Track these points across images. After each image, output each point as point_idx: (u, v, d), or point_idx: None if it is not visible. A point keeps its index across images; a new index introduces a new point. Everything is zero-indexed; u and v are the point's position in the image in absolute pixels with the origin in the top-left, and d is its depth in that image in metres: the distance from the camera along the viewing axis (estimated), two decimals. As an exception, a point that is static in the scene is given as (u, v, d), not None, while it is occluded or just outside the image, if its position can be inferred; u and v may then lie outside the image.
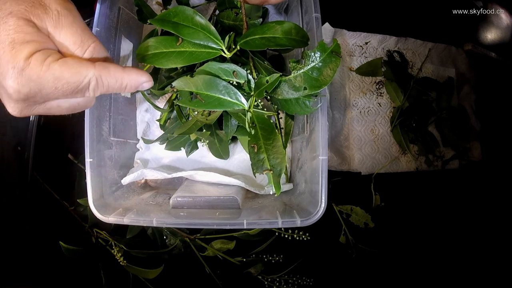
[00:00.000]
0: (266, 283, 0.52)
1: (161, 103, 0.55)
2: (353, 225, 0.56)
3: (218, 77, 0.37)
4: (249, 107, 0.37)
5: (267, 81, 0.36)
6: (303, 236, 0.50)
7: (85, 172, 0.40)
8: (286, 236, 0.51)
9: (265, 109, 0.39)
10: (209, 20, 0.50)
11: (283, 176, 0.51)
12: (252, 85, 0.38)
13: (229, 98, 0.36)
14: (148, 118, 0.56)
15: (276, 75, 0.35)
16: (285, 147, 0.51)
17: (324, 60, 0.34)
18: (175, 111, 0.47)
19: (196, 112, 0.44)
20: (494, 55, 0.65)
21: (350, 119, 0.59)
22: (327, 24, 0.59)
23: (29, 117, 0.54)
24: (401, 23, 0.63)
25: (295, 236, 0.50)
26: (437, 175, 0.60)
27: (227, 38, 0.38)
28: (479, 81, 0.65)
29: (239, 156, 0.54)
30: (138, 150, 0.54)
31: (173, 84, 0.36)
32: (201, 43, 0.36)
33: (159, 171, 0.48)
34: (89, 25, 0.57)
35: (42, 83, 0.25)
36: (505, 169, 0.62)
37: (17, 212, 0.54)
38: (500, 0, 0.68)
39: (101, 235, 0.53)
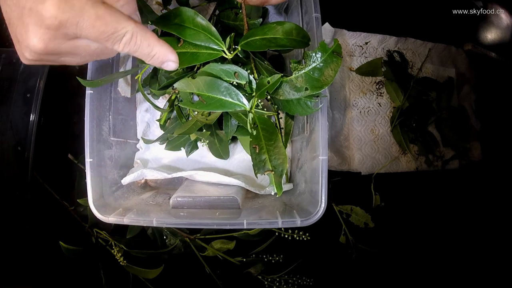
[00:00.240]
0: (266, 283, 0.53)
1: (161, 103, 0.55)
2: (353, 225, 0.56)
3: (220, 78, 0.37)
4: (251, 108, 0.37)
5: (268, 82, 0.36)
6: (303, 236, 0.50)
7: (85, 172, 0.40)
8: (286, 236, 0.51)
9: (265, 109, 0.39)
10: (209, 20, 0.50)
11: (283, 176, 0.51)
12: (254, 86, 0.38)
13: (230, 99, 0.36)
14: (148, 118, 0.56)
15: (277, 76, 0.35)
16: (285, 147, 0.51)
17: (325, 61, 0.34)
18: (175, 111, 0.47)
19: (196, 112, 0.44)
20: (494, 55, 0.65)
21: (350, 119, 0.59)
22: (327, 24, 0.59)
23: (29, 117, 0.54)
24: (401, 23, 0.63)
25: (295, 236, 0.50)
26: (437, 175, 0.60)
27: (228, 39, 0.38)
28: (479, 81, 0.65)
29: (239, 156, 0.54)
30: (138, 150, 0.54)
31: (175, 85, 0.36)
32: (202, 44, 0.36)
33: (159, 171, 0.48)
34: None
35: (83, 16, 0.24)
36: (505, 169, 0.62)
37: (17, 212, 0.54)
38: (500, 0, 0.68)
39: (101, 235, 0.53)
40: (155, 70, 0.50)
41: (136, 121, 0.56)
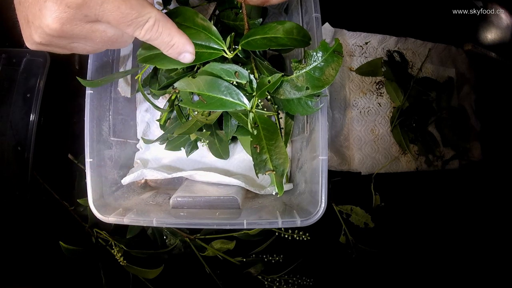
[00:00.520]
0: (266, 283, 0.52)
1: (161, 103, 0.55)
2: (353, 225, 0.56)
3: (220, 77, 0.37)
4: (251, 108, 0.37)
5: (269, 81, 0.36)
6: (303, 236, 0.50)
7: (85, 172, 0.40)
8: (286, 236, 0.51)
9: (265, 109, 0.39)
10: (209, 20, 0.50)
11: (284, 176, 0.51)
12: (254, 86, 0.37)
13: (231, 99, 0.36)
14: (148, 118, 0.56)
15: (278, 75, 0.35)
16: (285, 147, 0.51)
17: (326, 60, 0.34)
18: (175, 111, 0.47)
19: (196, 112, 0.44)
20: (494, 55, 0.65)
21: (350, 119, 0.59)
22: (327, 24, 0.59)
23: (29, 117, 0.54)
24: (401, 23, 0.63)
25: (295, 236, 0.50)
26: (437, 175, 0.60)
27: (228, 39, 0.38)
28: (479, 81, 0.65)
29: (239, 156, 0.54)
30: (138, 150, 0.54)
31: (175, 85, 0.36)
32: (203, 43, 0.36)
33: (159, 171, 0.48)
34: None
35: None
36: (505, 169, 0.62)
37: (17, 212, 0.54)
38: (500, 0, 0.68)
39: (101, 235, 0.53)
40: (155, 70, 0.50)
41: (136, 121, 0.56)
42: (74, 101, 0.56)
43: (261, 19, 0.45)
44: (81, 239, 0.53)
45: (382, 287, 0.56)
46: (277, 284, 0.52)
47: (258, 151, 0.35)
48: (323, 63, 0.35)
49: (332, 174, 0.57)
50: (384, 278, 0.56)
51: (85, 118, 0.40)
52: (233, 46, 0.39)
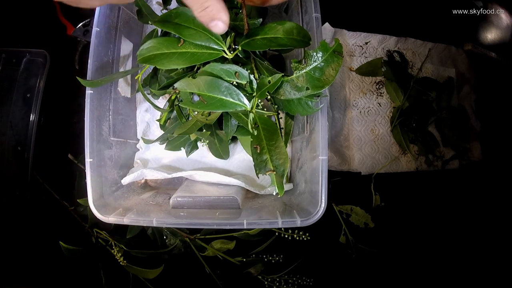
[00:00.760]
0: (266, 283, 0.52)
1: (161, 103, 0.55)
2: (353, 225, 0.56)
3: (220, 78, 0.37)
4: (252, 108, 0.37)
5: (269, 82, 0.36)
6: (303, 236, 0.50)
7: (85, 172, 0.40)
8: (286, 236, 0.51)
9: (265, 109, 0.39)
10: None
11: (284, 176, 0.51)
12: (254, 86, 0.37)
13: (231, 99, 0.36)
14: (148, 118, 0.56)
15: (278, 76, 0.35)
16: (285, 147, 0.51)
17: (326, 60, 0.34)
18: (175, 111, 0.47)
19: (196, 112, 0.44)
20: (494, 55, 0.65)
21: (350, 119, 0.59)
22: (327, 24, 0.59)
23: (29, 117, 0.54)
24: (401, 23, 0.63)
25: (295, 236, 0.50)
26: (437, 175, 0.60)
27: (228, 39, 0.38)
28: (479, 81, 0.65)
29: (239, 156, 0.54)
30: (138, 150, 0.54)
31: (175, 85, 0.36)
32: (203, 44, 0.36)
33: (159, 171, 0.48)
34: (89, 25, 0.57)
35: None
36: (505, 169, 0.62)
37: (17, 212, 0.54)
38: (500, 0, 0.68)
39: (101, 235, 0.53)
40: (155, 70, 0.50)
41: (136, 121, 0.56)
42: (74, 101, 0.56)
43: (261, 19, 0.45)
44: (81, 239, 0.53)
45: (382, 287, 0.56)
46: (277, 284, 0.52)
47: (258, 151, 0.35)
48: (323, 64, 0.35)
49: (332, 174, 0.57)
50: (384, 278, 0.56)
51: (85, 118, 0.40)
52: (233, 46, 0.39)
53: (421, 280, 0.56)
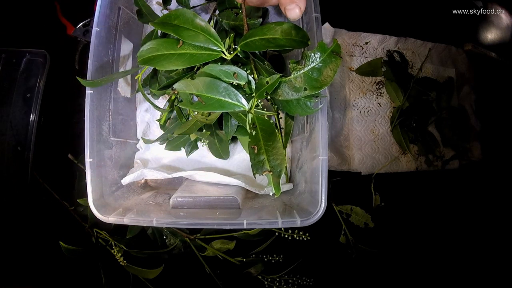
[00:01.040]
0: (266, 283, 0.53)
1: (161, 103, 0.55)
2: (353, 225, 0.56)
3: (219, 79, 0.37)
4: (250, 108, 0.37)
5: (267, 82, 0.36)
6: (303, 236, 0.50)
7: (85, 172, 0.40)
8: (286, 236, 0.51)
9: (265, 109, 0.39)
10: (209, 20, 0.50)
11: (283, 176, 0.51)
12: (253, 86, 0.38)
13: (229, 100, 0.36)
14: (148, 118, 0.56)
15: (276, 76, 0.35)
16: (285, 147, 0.51)
17: (324, 61, 0.34)
18: (175, 111, 0.47)
19: (196, 112, 0.44)
20: (494, 55, 0.65)
21: (350, 119, 0.59)
22: (327, 24, 0.59)
23: (29, 117, 0.54)
24: (401, 23, 0.63)
25: (295, 236, 0.50)
26: (437, 175, 0.60)
27: (227, 40, 0.38)
28: (479, 81, 0.65)
29: (239, 156, 0.54)
30: (138, 150, 0.54)
31: (174, 86, 0.37)
32: (202, 45, 0.37)
33: (159, 171, 0.48)
34: (89, 25, 0.57)
35: None
36: (505, 169, 0.62)
37: (17, 212, 0.54)
38: (500, 0, 0.68)
39: (101, 235, 0.53)
40: (155, 70, 0.50)
41: (136, 121, 0.56)
42: (74, 101, 0.56)
43: (261, 19, 0.45)
44: (81, 239, 0.53)
45: (382, 287, 0.56)
46: (277, 284, 0.52)
47: (255, 151, 0.35)
48: (321, 64, 0.35)
49: (332, 174, 0.57)
50: (384, 278, 0.56)
51: (85, 118, 0.40)
52: (233, 46, 0.40)
53: (421, 280, 0.56)
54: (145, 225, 0.48)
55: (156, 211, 0.43)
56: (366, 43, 0.62)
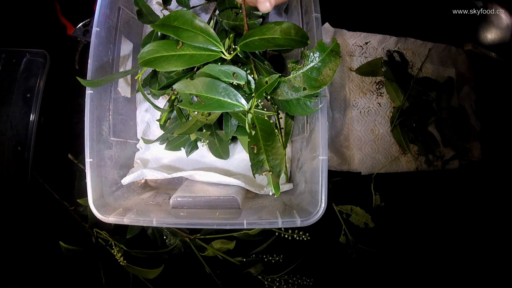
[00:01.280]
0: (266, 283, 0.52)
1: (161, 103, 0.55)
2: (353, 225, 0.56)
3: (218, 79, 0.37)
4: (250, 108, 0.37)
5: (266, 82, 0.36)
6: (303, 236, 0.50)
7: (85, 172, 0.40)
8: (286, 236, 0.51)
9: (265, 109, 0.39)
10: (209, 19, 0.50)
11: (282, 176, 0.51)
12: (252, 86, 0.38)
13: (229, 100, 0.36)
14: (148, 118, 0.56)
15: (275, 76, 0.35)
16: (285, 147, 0.51)
17: (323, 60, 0.34)
18: (175, 111, 0.47)
19: (196, 112, 0.44)
20: (494, 55, 0.65)
21: (350, 119, 0.59)
22: (327, 24, 0.59)
23: (29, 117, 0.54)
24: (401, 23, 0.63)
25: (295, 236, 0.50)
26: (437, 175, 0.60)
27: (227, 41, 0.38)
28: (479, 81, 0.65)
29: (239, 156, 0.54)
30: (138, 150, 0.54)
31: (174, 86, 0.37)
32: (201, 46, 0.37)
33: (159, 171, 0.48)
34: (89, 25, 0.57)
35: None
36: (505, 169, 0.62)
37: (17, 212, 0.54)
38: (500, 0, 0.68)
39: (101, 235, 0.53)
40: (155, 70, 0.50)
41: (136, 121, 0.56)
42: (74, 101, 0.56)
43: (261, 19, 0.45)
44: (81, 239, 0.53)
45: (382, 287, 0.56)
46: (277, 284, 0.52)
47: (255, 151, 0.35)
48: (320, 64, 0.34)
49: (332, 174, 0.57)
50: (384, 278, 0.56)
51: (85, 118, 0.40)
52: (233, 46, 0.40)
53: (421, 280, 0.56)
54: (145, 225, 0.48)
55: (156, 211, 0.43)
56: (366, 43, 0.62)
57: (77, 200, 0.53)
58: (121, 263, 0.51)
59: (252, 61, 0.40)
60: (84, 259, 0.52)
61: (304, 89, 0.35)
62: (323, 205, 0.37)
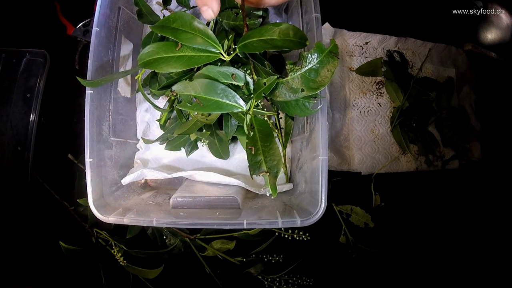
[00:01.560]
0: (266, 283, 0.53)
1: (161, 103, 0.55)
2: (353, 225, 0.56)
3: (217, 80, 0.37)
4: (249, 109, 0.37)
5: (264, 84, 0.36)
6: (303, 236, 0.50)
7: (85, 172, 0.40)
8: (286, 236, 0.51)
9: (265, 109, 0.39)
10: (209, 20, 0.50)
11: (283, 176, 0.51)
12: (251, 87, 0.38)
13: (227, 101, 0.36)
14: (148, 118, 0.56)
15: (273, 77, 0.35)
16: (285, 147, 0.51)
17: (322, 62, 0.34)
18: (175, 111, 0.47)
19: (196, 112, 0.44)
20: (494, 55, 0.65)
21: (350, 119, 0.59)
22: (327, 24, 0.59)
23: (29, 117, 0.54)
24: (401, 23, 0.63)
25: (295, 236, 0.50)
26: (437, 175, 0.60)
27: (226, 42, 0.38)
28: (479, 81, 0.65)
29: (239, 156, 0.54)
30: (138, 150, 0.54)
31: (173, 88, 0.37)
32: (200, 47, 0.37)
33: (159, 171, 0.48)
34: (89, 25, 0.57)
35: None
36: (505, 169, 0.62)
37: (17, 212, 0.54)
38: (500, 0, 0.68)
39: (101, 235, 0.53)
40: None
41: (136, 121, 0.56)
42: (74, 101, 0.56)
43: (261, 19, 0.45)
44: (81, 239, 0.53)
45: (382, 287, 0.56)
46: (277, 284, 0.52)
47: (253, 152, 0.35)
48: (318, 65, 0.34)
49: (332, 174, 0.57)
50: (384, 278, 0.56)
51: (85, 118, 0.40)
52: (233, 46, 0.40)
53: (421, 280, 0.56)
54: (145, 225, 0.48)
55: (156, 211, 0.43)
56: (366, 43, 0.62)
57: (77, 200, 0.53)
58: (121, 263, 0.51)
59: (251, 62, 0.40)
60: (84, 259, 0.52)
61: (302, 90, 0.35)
62: (323, 205, 0.37)
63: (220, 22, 0.47)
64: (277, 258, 0.53)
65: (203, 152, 0.54)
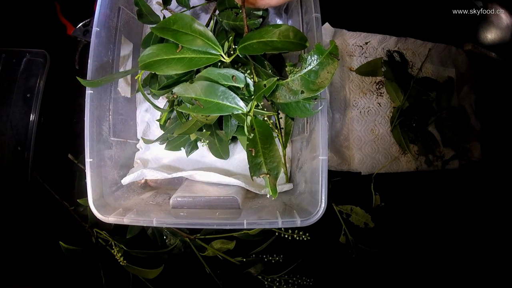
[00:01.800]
0: (266, 283, 0.53)
1: (161, 103, 0.55)
2: (353, 225, 0.56)
3: (217, 82, 0.37)
4: (249, 111, 0.37)
5: (265, 85, 0.36)
6: (303, 236, 0.50)
7: (85, 172, 0.40)
8: (286, 236, 0.51)
9: (265, 109, 0.39)
10: (209, 20, 0.50)
11: (283, 176, 0.51)
12: (252, 89, 0.38)
13: (228, 103, 0.36)
14: (148, 118, 0.56)
15: (273, 80, 0.35)
16: (285, 147, 0.51)
17: (321, 63, 0.34)
18: (175, 111, 0.47)
19: (196, 113, 0.44)
20: (494, 55, 0.65)
21: (350, 119, 0.59)
22: (327, 24, 0.59)
23: (29, 117, 0.54)
24: (401, 23, 0.63)
25: (295, 236, 0.50)
26: (437, 175, 0.60)
27: (226, 44, 0.38)
28: (479, 81, 0.65)
29: (239, 156, 0.54)
30: (138, 150, 0.54)
31: (174, 90, 0.37)
32: (200, 49, 0.37)
33: (159, 171, 0.48)
34: (89, 25, 0.57)
35: None
36: (505, 169, 0.62)
37: (17, 212, 0.54)
38: (500, 0, 0.68)
39: (101, 235, 0.53)
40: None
41: (136, 121, 0.56)
42: (74, 101, 0.56)
43: (261, 20, 0.45)
44: (81, 239, 0.53)
45: (382, 287, 0.56)
46: (277, 284, 0.52)
47: (253, 154, 0.35)
48: (318, 67, 0.34)
49: (332, 174, 0.57)
50: (384, 278, 0.56)
51: (85, 118, 0.40)
52: (233, 47, 0.40)
53: (421, 280, 0.56)
54: (145, 225, 0.48)
55: (156, 211, 0.43)
56: (366, 43, 0.62)
57: (77, 200, 0.53)
58: (121, 263, 0.51)
59: (251, 63, 0.40)
60: (84, 259, 0.52)
61: (302, 92, 0.35)
62: (323, 205, 0.37)
63: (220, 22, 0.47)
64: (277, 258, 0.53)
65: (203, 152, 0.54)
